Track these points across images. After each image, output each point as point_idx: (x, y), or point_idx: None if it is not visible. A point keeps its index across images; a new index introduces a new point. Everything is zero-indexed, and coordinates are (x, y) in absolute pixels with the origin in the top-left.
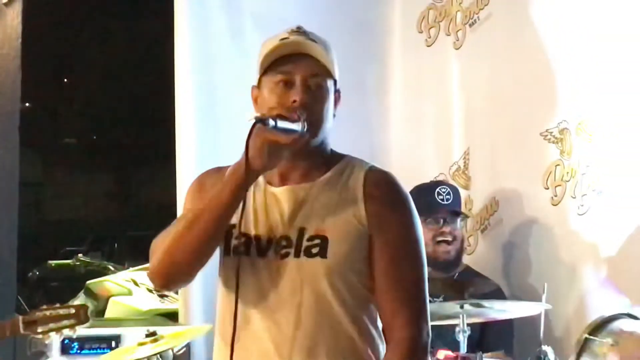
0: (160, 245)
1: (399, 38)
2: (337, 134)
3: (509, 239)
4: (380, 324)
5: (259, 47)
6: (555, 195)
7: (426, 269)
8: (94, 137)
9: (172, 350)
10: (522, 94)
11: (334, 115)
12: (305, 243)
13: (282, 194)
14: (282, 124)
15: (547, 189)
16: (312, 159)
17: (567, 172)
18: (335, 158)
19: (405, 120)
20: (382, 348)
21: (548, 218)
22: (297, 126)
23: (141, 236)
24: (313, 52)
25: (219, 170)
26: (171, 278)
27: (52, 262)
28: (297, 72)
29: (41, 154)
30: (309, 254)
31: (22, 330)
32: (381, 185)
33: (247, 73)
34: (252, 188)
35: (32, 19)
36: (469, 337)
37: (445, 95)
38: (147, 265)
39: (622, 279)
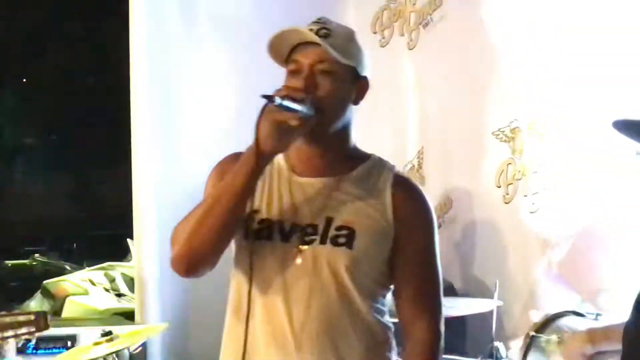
0: (181, 232)
1: None
2: None
3: (462, 236)
4: (387, 316)
5: (216, 48)
6: (507, 194)
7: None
8: (53, 138)
9: (128, 349)
10: (475, 94)
11: (357, 104)
12: (332, 232)
13: (309, 185)
14: (287, 102)
15: (499, 187)
16: (335, 149)
17: (519, 171)
18: (361, 155)
19: (360, 119)
20: (392, 337)
21: (500, 216)
22: (301, 107)
23: (99, 236)
24: (317, 40)
25: (239, 155)
26: (193, 265)
27: (9, 262)
28: (305, 59)
29: None
30: (335, 242)
31: None
32: (410, 192)
33: (203, 73)
34: (276, 176)
35: None
36: None
37: (399, 95)
38: (104, 264)
39: (572, 275)
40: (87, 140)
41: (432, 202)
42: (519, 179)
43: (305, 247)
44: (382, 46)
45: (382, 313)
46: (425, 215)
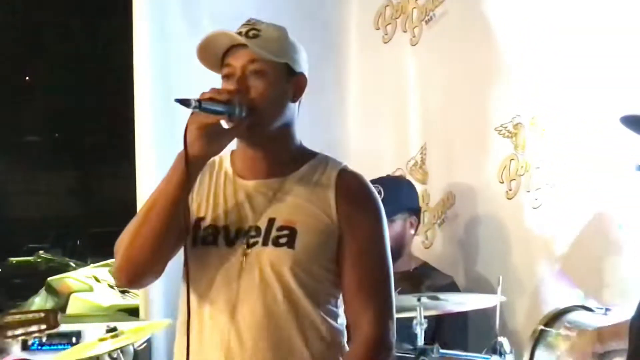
0: (122, 242)
1: (356, 35)
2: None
3: (465, 232)
4: (341, 319)
5: None
6: (510, 189)
7: (392, 270)
8: (56, 135)
9: (133, 346)
10: (477, 90)
11: (295, 102)
12: (274, 233)
13: (253, 187)
14: (207, 104)
15: (502, 183)
16: (278, 149)
17: (522, 167)
18: (307, 154)
19: (363, 116)
20: (344, 340)
21: (503, 212)
22: (225, 108)
23: (103, 233)
24: (243, 41)
25: None
26: (134, 275)
27: (14, 259)
28: (237, 62)
29: (3, 151)
30: (276, 243)
31: None
32: (354, 187)
33: (205, 72)
34: (222, 181)
35: None
36: (425, 330)
37: (402, 91)
38: (108, 261)
39: (576, 271)
40: (90, 138)
41: (435, 198)
42: (522, 175)
43: (249, 250)
44: (385, 42)
45: (333, 315)
46: (370, 209)
